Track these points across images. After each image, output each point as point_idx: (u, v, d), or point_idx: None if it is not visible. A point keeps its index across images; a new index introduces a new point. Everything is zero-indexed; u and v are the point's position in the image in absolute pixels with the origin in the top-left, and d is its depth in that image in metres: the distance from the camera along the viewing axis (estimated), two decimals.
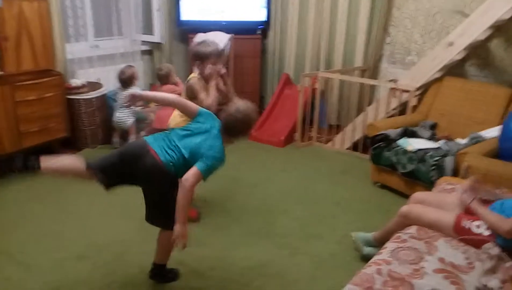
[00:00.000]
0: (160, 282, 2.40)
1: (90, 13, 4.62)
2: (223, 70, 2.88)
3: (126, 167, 2.18)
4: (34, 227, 2.92)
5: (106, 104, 4.35)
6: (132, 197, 3.36)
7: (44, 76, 3.85)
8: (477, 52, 3.92)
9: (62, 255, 2.62)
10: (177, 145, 2.17)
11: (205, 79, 2.79)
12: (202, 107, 2.39)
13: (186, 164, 2.12)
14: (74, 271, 2.48)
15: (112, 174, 2.21)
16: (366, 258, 2.35)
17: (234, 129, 2.23)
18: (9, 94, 3.61)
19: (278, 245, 2.76)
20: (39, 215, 3.08)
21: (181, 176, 2.10)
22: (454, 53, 3.77)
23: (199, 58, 2.75)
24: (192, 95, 2.72)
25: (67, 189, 3.46)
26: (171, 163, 2.12)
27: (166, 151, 2.15)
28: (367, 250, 2.57)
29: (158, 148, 2.15)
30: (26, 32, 3.69)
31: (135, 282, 2.40)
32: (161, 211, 2.21)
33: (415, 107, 3.91)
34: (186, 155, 2.14)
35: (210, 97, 2.74)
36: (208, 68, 2.74)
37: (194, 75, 2.81)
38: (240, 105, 2.25)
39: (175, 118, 2.79)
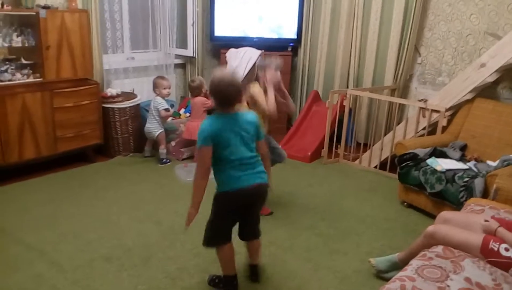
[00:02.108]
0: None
1: (127, 26, 4.81)
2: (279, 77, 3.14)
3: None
4: (66, 227, 3.03)
5: (139, 114, 4.49)
6: (159, 203, 3.47)
7: (82, 84, 4.01)
8: (510, 75, 3.87)
9: (91, 256, 2.70)
10: None
11: (264, 88, 3.06)
12: (263, 110, 2.94)
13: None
14: (102, 272, 2.56)
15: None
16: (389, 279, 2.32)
17: (226, 94, 2.21)
18: (48, 100, 3.79)
19: (301, 259, 2.77)
20: (72, 216, 3.20)
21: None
22: (486, 75, 3.73)
23: (262, 68, 3.12)
24: (253, 102, 3.05)
25: (99, 192, 3.58)
26: None
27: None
28: (390, 275, 2.51)
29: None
30: (66, 42, 3.88)
31: (160, 286, 2.45)
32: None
33: (444, 128, 3.87)
34: None
35: (270, 100, 3.00)
36: (270, 74, 3.04)
37: (255, 86, 3.11)
38: (220, 74, 2.25)
39: None
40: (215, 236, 2.34)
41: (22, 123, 3.66)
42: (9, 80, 3.65)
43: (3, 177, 3.68)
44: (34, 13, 3.69)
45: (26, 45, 3.76)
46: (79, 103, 3.99)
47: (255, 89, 3.07)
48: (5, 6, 3.66)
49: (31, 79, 3.75)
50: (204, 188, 2.23)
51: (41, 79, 3.77)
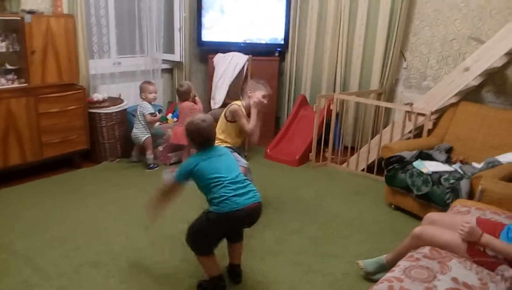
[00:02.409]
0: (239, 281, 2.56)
1: (114, 31, 4.78)
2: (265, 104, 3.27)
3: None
4: (53, 233, 2.99)
5: (126, 119, 4.46)
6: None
7: (68, 89, 3.98)
8: (494, 79, 3.94)
9: (78, 261, 2.67)
10: None
11: (248, 107, 3.20)
12: (245, 130, 3.11)
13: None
14: (89, 277, 2.53)
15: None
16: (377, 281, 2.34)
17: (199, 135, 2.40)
18: (33, 106, 3.75)
19: (290, 262, 2.77)
20: (59, 222, 3.16)
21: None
22: (470, 79, 3.80)
23: (253, 88, 3.22)
24: (232, 119, 3.17)
25: (86, 198, 3.55)
26: None
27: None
28: (378, 277, 2.53)
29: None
30: (52, 47, 3.84)
31: None
32: None
33: (430, 131, 3.92)
34: None
35: (251, 122, 3.14)
36: (256, 96, 3.17)
37: (238, 103, 3.21)
38: (201, 116, 2.45)
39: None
40: (201, 246, 2.39)
41: (7, 128, 3.61)
42: (2, 85, 3.60)
43: None
44: (19, 18, 3.65)
45: (11, 50, 3.71)
46: (65, 109, 3.95)
47: (235, 106, 3.17)
48: None
49: (16, 85, 3.70)
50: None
51: (26, 84, 3.73)
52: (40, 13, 3.88)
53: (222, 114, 3.24)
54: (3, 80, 3.68)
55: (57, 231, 3.02)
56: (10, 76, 3.74)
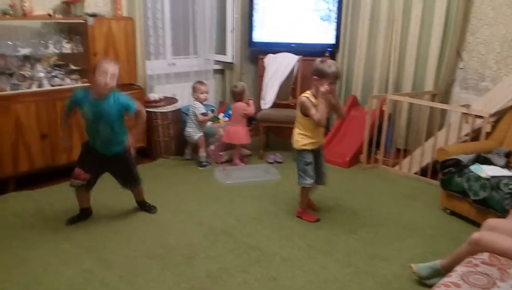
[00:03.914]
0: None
1: (169, 33, 4.95)
2: (334, 89, 3.12)
3: None
4: (111, 225, 3.15)
5: (180, 118, 4.60)
6: (199, 205, 3.54)
7: (126, 89, 4.13)
8: None
9: (135, 253, 2.80)
10: None
11: (316, 96, 3.07)
12: (313, 120, 3.03)
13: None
14: (146, 269, 2.65)
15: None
16: (431, 286, 2.29)
17: None
18: None
19: (340, 263, 2.76)
20: (117, 216, 3.32)
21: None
22: None
23: (319, 74, 3.02)
24: (303, 110, 3.10)
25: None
26: None
27: None
28: (432, 281, 2.48)
29: None
30: (112, 49, 4.04)
31: (202, 286, 2.51)
32: None
33: (488, 134, 3.78)
34: None
35: (319, 112, 3.01)
36: (324, 86, 2.99)
37: (306, 94, 3.11)
38: None
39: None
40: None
41: (70, 125, 3.82)
42: (59, 85, 3.83)
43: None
44: (83, 21, 3.87)
45: (75, 51, 3.94)
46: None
47: (302, 98, 3.11)
48: (56, 14, 3.86)
49: (79, 84, 3.92)
50: None
51: (89, 84, 3.93)
52: (102, 16, 4.08)
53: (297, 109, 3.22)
54: (68, 80, 3.91)
55: (115, 225, 3.18)
56: (74, 76, 3.97)
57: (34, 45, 3.77)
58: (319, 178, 3.34)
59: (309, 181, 3.22)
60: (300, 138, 3.19)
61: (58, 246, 2.87)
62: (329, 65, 3.01)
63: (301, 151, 3.20)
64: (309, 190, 3.33)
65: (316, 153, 3.25)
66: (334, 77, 3.02)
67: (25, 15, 3.68)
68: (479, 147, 3.60)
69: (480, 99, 4.08)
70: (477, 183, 3.15)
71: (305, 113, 3.09)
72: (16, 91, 3.61)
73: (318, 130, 3.20)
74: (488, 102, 3.89)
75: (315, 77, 3.05)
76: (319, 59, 3.08)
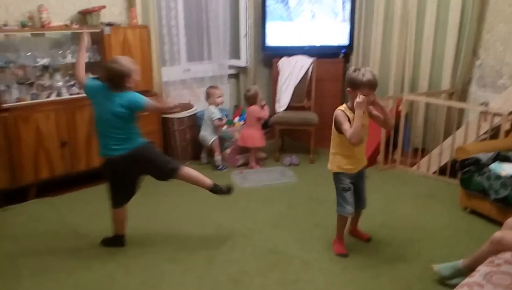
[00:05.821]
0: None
1: (183, 40, 5.00)
2: (374, 98, 2.66)
3: None
4: (130, 231, 3.17)
5: (196, 123, 4.64)
6: (218, 209, 3.56)
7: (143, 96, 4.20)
8: None
9: (157, 257, 2.84)
10: None
11: (352, 109, 2.65)
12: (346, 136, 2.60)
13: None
14: (168, 272, 2.68)
15: None
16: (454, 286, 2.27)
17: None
18: None
19: (360, 265, 2.75)
20: (136, 219, 3.33)
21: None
22: None
23: (352, 85, 2.62)
24: (337, 125, 2.70)
25: (160, 198, 3.73)
26: None
27: None
28: (454, 281, 2.44)
29: None
30: (129, 56, 4.07)
31: (223, 288, 2.53)
32: None
33: (508, 132, 3.73)
34: None
35: (352, 128, 2.59)
36: (358, 98, 2.57)
37: (342, 107, 2.72)
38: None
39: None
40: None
41: (89, 133, 3.89)
42: (77, 94, 3.90)
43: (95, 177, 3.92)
44: (99, 30, 3.93)
45: (92, 60, 4.00)
46: (141, 114, 4.17)
47: (337, 112, 2.71)
48: (73, 25, 3.94)
49: None
50: None
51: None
52: (118, 25, 4.15)
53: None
54: None
55: (135, 230, 3.19)
56: None
57: (53, 55, 3.85)
58: (359, 202, 2.91)
59: (348, 209, 2.79)
60: (335, 159, 2.79)
61: (79, 252, 2.92)
62: (363, 73, 2.58)
63: (337, 174, 2.81)
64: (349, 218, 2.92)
65: (356, 177, 2.83)
66: (370, 86, 2.57)
67: (43, 26, 3.76)
68: (499, 145, 3.55)
69: (498, 97, 4.03)
70: (498, 182, 3.11)
71: (339, 129, 2.68)
72: (36, 101, 3.70)
73: (357, 150, 2.74)
74: (507, 100, 3.84)
75: (348, 88, 2.65)
76: (352, 68, 2.69)
